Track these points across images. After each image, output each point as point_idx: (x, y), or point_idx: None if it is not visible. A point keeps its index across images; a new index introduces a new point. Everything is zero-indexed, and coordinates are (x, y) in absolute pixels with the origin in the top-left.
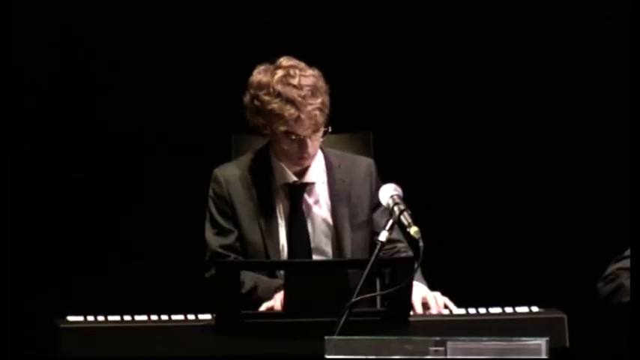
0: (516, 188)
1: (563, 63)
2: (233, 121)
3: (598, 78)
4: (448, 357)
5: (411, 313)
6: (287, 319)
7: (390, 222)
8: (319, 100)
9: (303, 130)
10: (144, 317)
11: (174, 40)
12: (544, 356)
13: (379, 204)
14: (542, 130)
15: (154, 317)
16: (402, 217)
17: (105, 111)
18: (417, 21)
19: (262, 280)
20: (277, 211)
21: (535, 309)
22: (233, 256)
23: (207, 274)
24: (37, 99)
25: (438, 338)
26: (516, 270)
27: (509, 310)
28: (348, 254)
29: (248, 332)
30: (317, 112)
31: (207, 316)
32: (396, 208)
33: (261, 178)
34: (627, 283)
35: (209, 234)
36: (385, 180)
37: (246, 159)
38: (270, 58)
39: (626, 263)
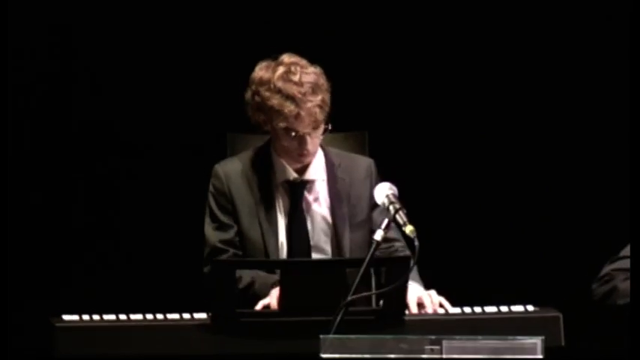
0: (512, 187)
1: (563, 63)
2: (229, 120)
3: (598, 78)
4: (444, 356)
5: (407, 312)
6: (283, 318)
7: (386, 221)
8: (319, 98)
9: (302, 127)
10: (139, 316)
11: (173, 40)
12: (539, 355)
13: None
14: (538, 130)
15: (149, 316)
16: (397, 216)
17: (103, 111)
18: (413, 20)
19: (259, 275)
20: (277, 207)
21: (530, 308)
22: (232, 251)
23: (206, 269)
24: (37, 99)
25: (433, 337)
26: (511, 269)
27: (504, 309)
28: (347, 253)
29: (244, 331)
30: (317, 110)
31: (203, 315)
32: (391, 207)
33: (262, 174)
34: (622, 285)
35: (208, 229)
36: (381, 179)
37: (247, 155)
38: (267, 57)
39: (622, 264)
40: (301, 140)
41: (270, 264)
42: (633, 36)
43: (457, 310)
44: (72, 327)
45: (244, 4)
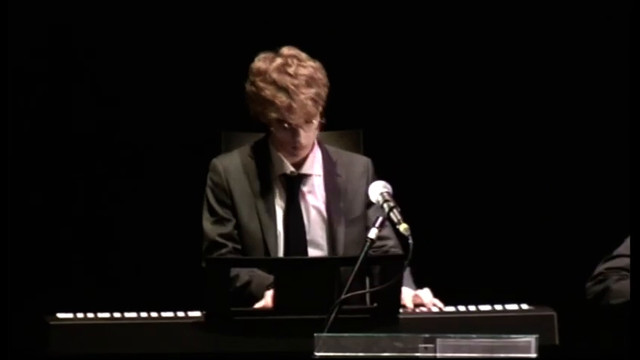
0: (506, 187)
1: (563, 63)
2: (229, 120)
3: (598, 78)
4: (438, 354)
5: (401, 310)
6: (277, 317)
7: (380, 219)
8: (313, 91)
9: (294, 119)
10: (133, 314)
11: (173, 40)
12: (533, 354)
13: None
14: (533, 128)
15: (143, 314)
16: (391, 215)
17: (103, 111)
18: (408, 19)
19: (256, 274)
20: (275, 201)
21: (525, 306)
22: (231, 245)
23: (204, 264)
24: (37, 99)
25: (427, 335)
26: (506, 268)
27: (498, 307)
28: (341, 248)
29: (238, 329)
30: (309, 102)
31: (197, 313)
32: (385, 206)
33: (260, 167)
34: (614, 286)
35: (207, 223)
36: (376, 179)
37: (245, 150)
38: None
39: (615, 263)
40: (294, 132)
41: (263, 262)
42: (633, 36)
43: (451, 308)
44: (66, 325)
45: (244, 4)
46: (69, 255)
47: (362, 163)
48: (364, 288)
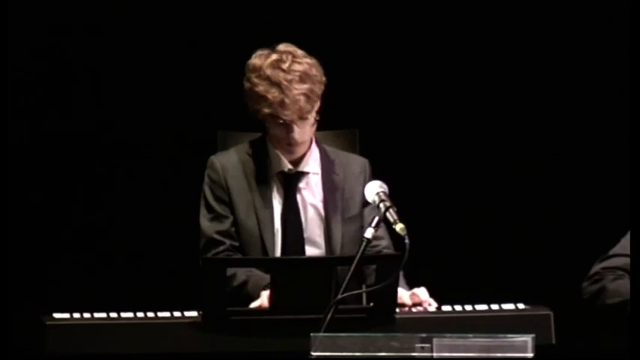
0: (502, 186)
1: (563, 63)
2: (230, 120)
3: (598, 78)
4: (434, 354)
5: (398, 310)
6: (273, 316)
7: (376, 219)
8: (306, 87)
9: (287, 115)
10: (130, 314)
11: (173, 40)
12: (530, 353)
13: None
14: (530, 128)
15: (140, 314)
16: (387, 214)
17: (103, 111)
18: (404, 19)
19: (253, 274)
20: (273, 198)
21: (521, 306)
22: (229, 242)
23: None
24: (37, 99)
25: (424, 335)
26: (502, 267)
27: (495, 307)
28: (338, 246)
29: (234, 329)
30: (302, 98)
31: (194, 313)
32: (381, 205)
33: (258, 165)
34: (610, 285)
35: (204, 220)
36: (373, 179)
37: (242, 147)
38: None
39: (612, 262)
40: (288, 128)
41: (260, 262)
42: (633, 36)
43: (448, 308)
44: (63, 325)
45: (243, 3)
46: (69, 255)
47: (359, 163)
48: (361, 288)
